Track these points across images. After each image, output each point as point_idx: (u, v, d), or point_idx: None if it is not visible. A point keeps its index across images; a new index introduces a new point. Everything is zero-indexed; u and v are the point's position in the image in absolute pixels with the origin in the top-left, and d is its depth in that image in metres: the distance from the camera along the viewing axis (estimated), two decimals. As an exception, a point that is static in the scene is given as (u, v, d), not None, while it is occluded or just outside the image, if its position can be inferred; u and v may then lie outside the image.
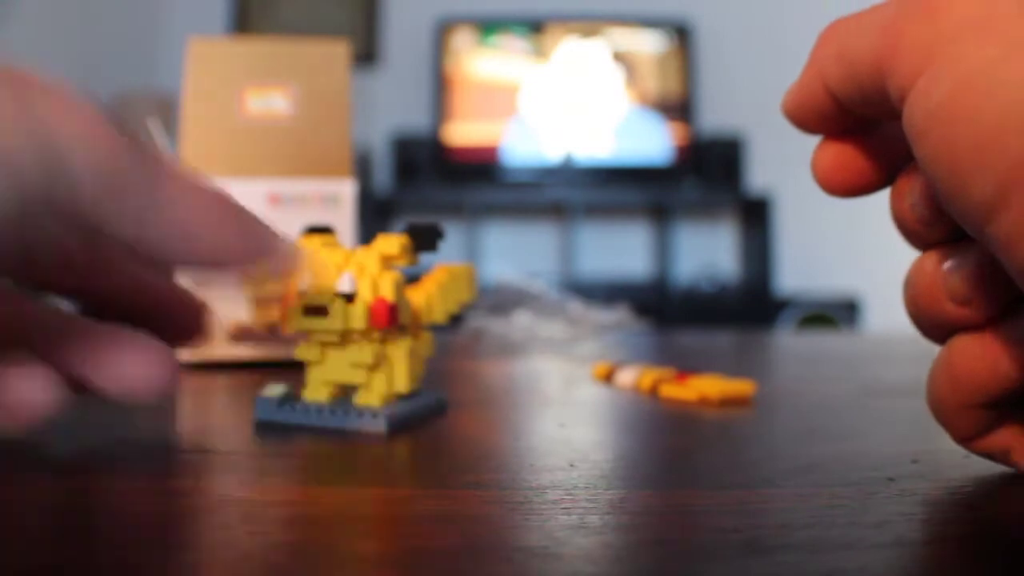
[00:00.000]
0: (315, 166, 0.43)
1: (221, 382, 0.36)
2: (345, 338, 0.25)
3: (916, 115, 0.16)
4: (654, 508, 0.18)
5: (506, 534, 0.16)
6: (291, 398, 0.26)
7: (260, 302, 0.42)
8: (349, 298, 0.24)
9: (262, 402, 0.25)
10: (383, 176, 2.49)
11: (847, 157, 0.21)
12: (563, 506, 0.17)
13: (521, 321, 0.52)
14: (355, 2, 2.51)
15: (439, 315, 0.28)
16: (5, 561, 0.14)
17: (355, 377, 0.25)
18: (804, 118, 0.21)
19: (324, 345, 0.25)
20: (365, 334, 0.25)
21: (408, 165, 2.39)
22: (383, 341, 0.25)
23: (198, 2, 2.59)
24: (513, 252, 2.44)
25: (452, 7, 2.50)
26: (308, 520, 0.16)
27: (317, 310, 0.24)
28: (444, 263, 0.29)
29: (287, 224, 0.41)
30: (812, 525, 0.16)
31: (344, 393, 0.26)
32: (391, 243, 0.26)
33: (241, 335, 0.41)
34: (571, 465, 0.21)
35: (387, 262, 0.26)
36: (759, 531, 0.16)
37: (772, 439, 0.25)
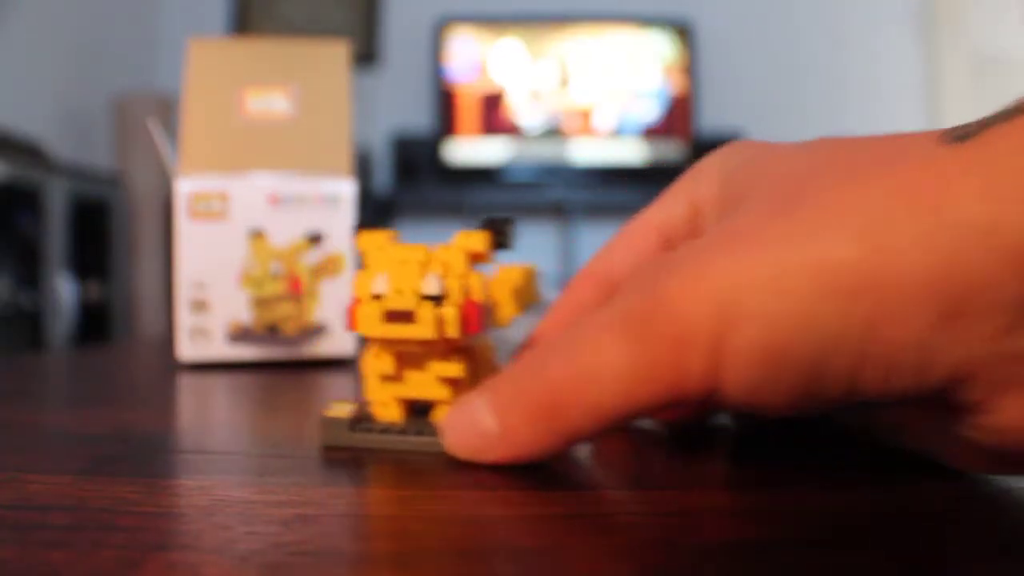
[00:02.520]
0: (315, 166, 0.43)
1: (221, 382, 0.36)
2: (429, 347, 0.22)
3: None
4: (654, 508, 0.18)
5: (506, 534, 0.15)
6: (365, 419, 0.23)
7: (260, 302, 0.42)
8: (436, 301, 0.21)
9: (331, 424, 0.22)
10: (383, 176, 2.49)
11: None
12: (563, 506, 0.17)
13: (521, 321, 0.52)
14: (355, 2, 2.51)
15: (507, 319, 0.25)
16: (3, 556, 0.14)
17: (439, 393, 0.23)
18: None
19: (401, 356, 0.22)
20: (451, 343, 0.22)
21: (408, 165, 2.39)
22: (465, 350, 0.23)
23: (198, 2, 2.59)
24: (513, 252, 2.43)
25: (452, 7, 2.50)
26: (308, 520, 0.16)
27: (401, 316, 0.21)
28: (504, 263, 0.27)
29: (287, 224, 0.41)
30: (812, 525, 0.16)
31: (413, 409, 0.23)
32: (476, 239, 0.23)
33: (241, 335, 0.41)
34: (571, 465, 0.21)
35: (474, 261, 0.23)
36: (759, 531, 0.16)
37: (773, 439, 0.25)
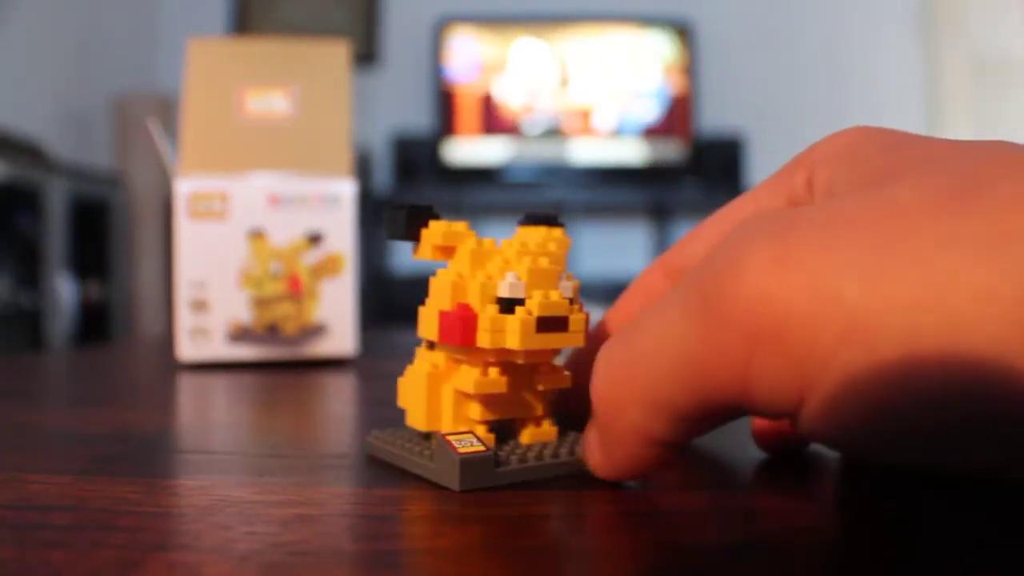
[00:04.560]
0: (315, 166, 0.43)
1: (221, 382, 0.36)
2: (543, 359, 0.20)
3: None
4: (655, 508, 0.18)
5: (506, 534, 0.15)
6: (493, 459, 0.19)
7: (260, 302, 0.42)
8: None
9: (475, 466, 0.18)
10: (383, 176, 2.49)
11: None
12: (563, 507, 0.17)
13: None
14: (355, 2, 2.51)
15: None
16: (3, 556, 0.14)
17: (531, 410, 0.20)
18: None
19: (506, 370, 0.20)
20: (548, 356, 0.20)
21: (408, 165, 2.39)
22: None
23: (198, 2, 2.59)
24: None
25: (452, 7, 2.50)
26: (307, 520, 0.16)
27: (555, 324, 0.19)
28: None
29: (287, 224, 0.41)
30: (813, 525, 0.16)
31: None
32: (559, 236, 0.21)
33: (241, 335, 0.41)
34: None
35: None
36: (760, 532, 0.16)
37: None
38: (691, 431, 0.15)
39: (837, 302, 0.12)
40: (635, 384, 0.15)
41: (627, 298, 0.23)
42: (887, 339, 0.12)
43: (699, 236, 0.21)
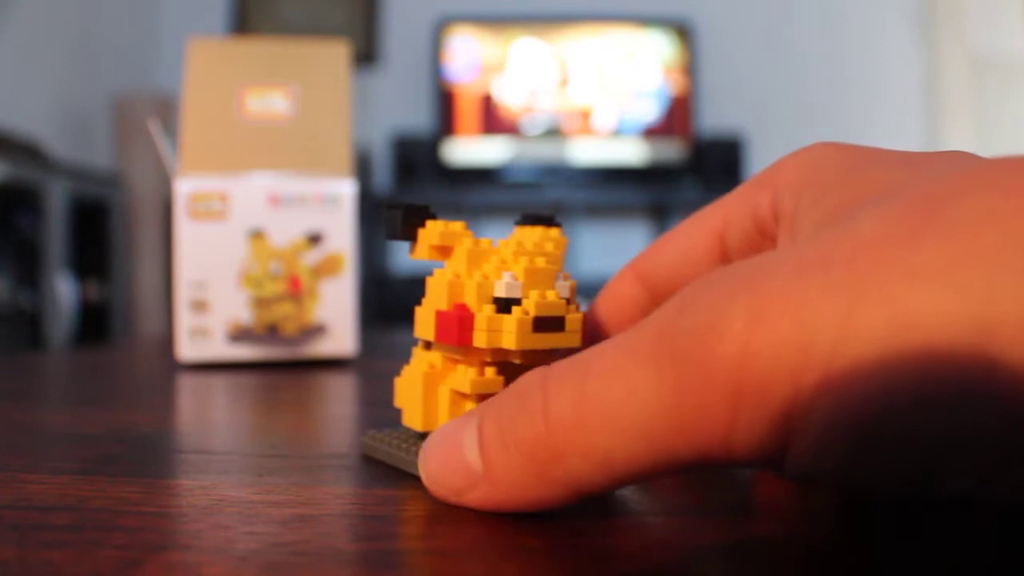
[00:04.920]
0: (315, 166, 0.43)
1: (221, 382, 0.36)
2: (541, 360, 0.20)
3: None
4: (654, 509, 0.18)
5: (506, 534, 0.15)
6: None
7: (260, 302, 0.42)
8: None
9: None
10: (383, 176, 2.49)
11: None
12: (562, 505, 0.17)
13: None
14: (355, 2, 2.51)
15: None
16: (3, 556, 0.14)
17: None
18: None
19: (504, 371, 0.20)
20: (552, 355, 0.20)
21: (408, 165, 2.39)
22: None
23: (198, 2, 2.59)
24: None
25: (452, 7, 2.50)
26: (307, 520, 0.16)
27: (551, 324, 0.19)
28: None
29: (287, 224, 0.41)
30: (813, 525, 0.16)
31: None
32: (556, 236, 0.21)
33: (241, 335, 0.41)
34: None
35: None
36: (760, 532, 0.16)
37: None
38: (624, 484, 0.15)
39: (813, 352, 0.12)
40: (588, 436, 0.14)
41: (597, 305, 0.23)
42: (860, 380, 0.12)
43: (670, 242, 0.21)
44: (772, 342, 0.13)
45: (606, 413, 0.14)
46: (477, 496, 0.16)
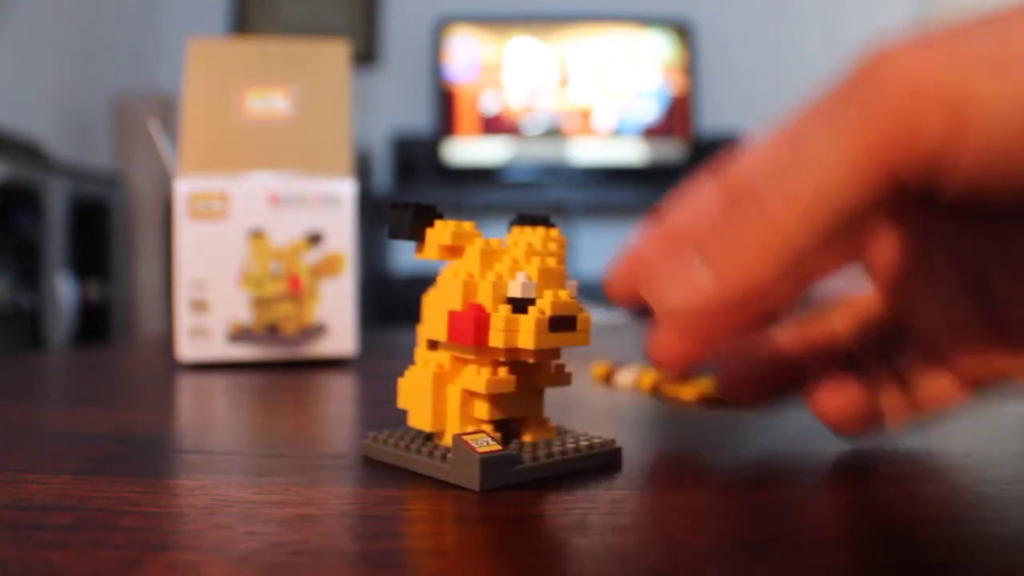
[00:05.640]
0: (315, 166, 0.43)
1: (221, 382, 0.36)
2: (547, 359, 0.20)
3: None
4: (654, 508, 0.18)
5: (507, 534, 0.15)
6: (512, 458, 0.19)
7: (260, 302, 0.42)
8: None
9: (490, 465, 0.18)
10: (383, 176, 2.49)
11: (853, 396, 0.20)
12: (563, 506, 0.17)
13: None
14: (355, 2, 2.51)
15: None
16: (3, 556, 0.14)
17: (531, 410, 0.21)
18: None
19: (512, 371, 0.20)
20: (553, 355, 0.20)
21: (408, 165, 2.39)
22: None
23: (198, 2, 2.59)
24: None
25: (452, 7, 2.50)
26: (307, 520, 0.16)
27: (565, 323, 0.19)
28: None
29: (287, 224, 0.41)
30: (813, 525, 0.16)
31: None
32: (556, 236, 0.22)
33: (241, 335, 0.41)
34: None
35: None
36: (759, 531, 0.16)
37: (773, 439, 0.25)
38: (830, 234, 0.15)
39: (978, 54, 0.14)
40: (803, 177, 0.15)
41: (674, 214, 0.20)
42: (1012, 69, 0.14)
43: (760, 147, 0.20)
44: (935, 52, 0.15)
45: (818, 153, 0.15)
46: (712, 297, 0.16)
